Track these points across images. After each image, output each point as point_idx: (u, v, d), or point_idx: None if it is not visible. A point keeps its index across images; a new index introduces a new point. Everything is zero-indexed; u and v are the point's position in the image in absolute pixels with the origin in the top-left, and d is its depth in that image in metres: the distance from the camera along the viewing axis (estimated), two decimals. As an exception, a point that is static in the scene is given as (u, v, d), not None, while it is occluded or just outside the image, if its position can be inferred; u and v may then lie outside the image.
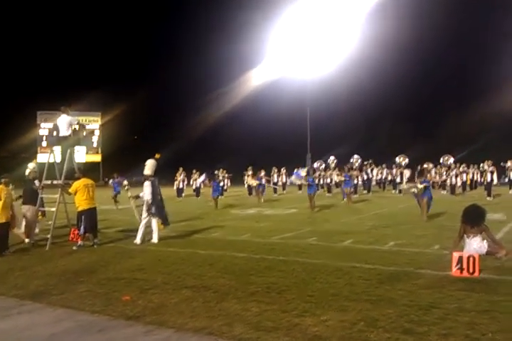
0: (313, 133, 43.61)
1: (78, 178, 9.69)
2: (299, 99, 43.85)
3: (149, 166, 10.10)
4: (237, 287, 5.97)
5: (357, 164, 26.38)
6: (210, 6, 56.87)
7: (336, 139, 44.45)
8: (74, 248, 9.25)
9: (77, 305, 5.42)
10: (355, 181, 23.99)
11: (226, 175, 28.20)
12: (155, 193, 9.96)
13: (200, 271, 6.98)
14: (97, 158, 54.99)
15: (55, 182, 10.44)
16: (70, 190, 9.61)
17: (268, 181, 24.16)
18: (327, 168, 28.30)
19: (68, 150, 10.41)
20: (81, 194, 9.46)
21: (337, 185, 29.12)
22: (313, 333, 4.35)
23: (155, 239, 9.86)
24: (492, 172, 21.81)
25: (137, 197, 10.38)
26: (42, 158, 43.42)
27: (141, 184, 10.43)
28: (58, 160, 10.68)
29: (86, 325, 4.80)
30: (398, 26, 40.08)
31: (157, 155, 10.44)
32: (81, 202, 9.46)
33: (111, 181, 21.29)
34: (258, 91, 44.71)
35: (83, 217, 9.41)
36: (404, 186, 13.27)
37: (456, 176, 24.83)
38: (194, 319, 4.81)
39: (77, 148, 10.98)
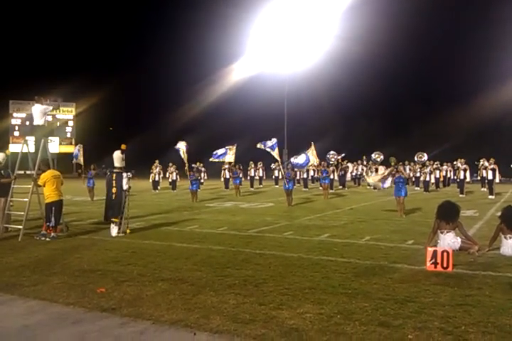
0: (291, 128, 43.75)
1: (44, 170, 9.52)
2: (277, 95, 43.92)
3: (115, 158, 9.93)
4: (214, 280, 5.95)
5: (333, 159, 26.57)
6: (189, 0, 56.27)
7: (313, 135, 44.61)
8: (47, 239, 9.08)
9: (50, 296, 5.31)
10: (331, 176, 24.19)
11: (203, 169, 28.11)
12: (107, 188, 9.86)
13: (176, 263, 6.93)
14: (71, 148, 54.10)
15: (28, 172, 10.24)
16: (39, 182, 9.44)
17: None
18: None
19: (42, 141, 10.20)
20: (50, 185, 9.32)
21: (313, 180, 29.41)
22: (290, 326, 4.36)
23: (112, 232, 9.67)
24: (465, 170, 22.25)
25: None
26: (14, 148, 42.52)
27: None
28: (32, 150, 10.46)
29: (60, 316, 4.71)
30: (377, 24, 40.41)
31: (123, 146, 10.18)
32: (51, 194, 9.32)
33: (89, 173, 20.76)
34: (237, 86, 44.58)
35: (53, 208, 9.25)
36: (370, 180, 13.43)
37: (430, 173, 25.24)
38: (171, 311, 4.77)
39: (51, 138, 10.74)
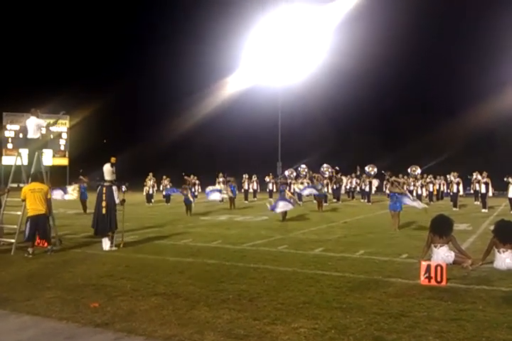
0: (285, 141, 43.91)
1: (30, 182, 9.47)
2: (272, 108, 44.15)
3: (105, 172, 9.88)
4: (208, 294, 5.93)
5: (327, 173, 26.61)
6: (185, 12, 56.58)
7: (307, 148, 44.83)
8: (25, 255, 8.86)
9: (43, 311, 5.28)
10: (325, 190, 24.25)
11: (197, 181, 28.10)
12: (97, 201, 9.71)
13: (170, 278, 6.90)
14: (64, 161, 53.92)
15: (21, 185, 10.20)
16: (21, 196, 9.34)
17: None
18: (298, 176, 28.47)
19: (36, 153, 10.19)
20: (28, 199, 9.17)
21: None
22: (285, 341, 4.35)
23: (104, 246, 9.57)
24: (458, 184, 22.36)
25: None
26: (7, 160, 42.35)
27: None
28: (25, 162, 10.44)
29: (53, 332, 4.68)
30: (370, 38, 40.81)
31: (112, 159, 10.12)
32: (29, 208, 9.18)
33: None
34: (231, 99, 44.74)
35: (28, 223, 9.12)
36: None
37: (422, 187, 25.34)
38: (164, 326, 4.75)
39: (44, 150, 10.75)
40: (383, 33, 41.09)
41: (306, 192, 21.08)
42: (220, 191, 21.53)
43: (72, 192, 18.55)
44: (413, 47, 42.58)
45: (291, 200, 16.10)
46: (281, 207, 15.46)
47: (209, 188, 21.94)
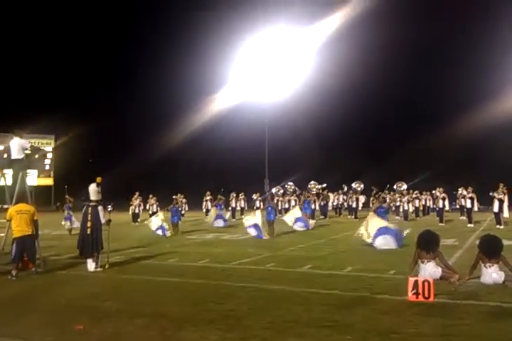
0: (272, 158, 44.07)
1: (15, 203, 9.36)
2: (259, 125, 44.41)
3: (91, 192, 9.79)
4: (195, 315, 5.85)
5: (314, 190, 26.70)
6: (172, 29, 56.96)
7: (295, 165, 45.00)
8: (8, 277, 8.63)
9: (27, 335, 5.15)
10: (313, 206, 24.30)
11: (184, 200, 27.98)
12: (83, 221, 9.63)
13: (156, 298, 6.81)
14: (49, 181, 53.47)
15: (5, 206, 10.07)
16: (6, 217, 9.22)
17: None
18: (285, 193, 28.52)
19: (20, 174, 10.09)
20: (14, 221, 9.02)
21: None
22: (273, 361, 4.30)
23: (89, 267, 9.42)
24: (444, 199, 22.55)
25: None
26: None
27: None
28: (9, 183, 10.32)
29: (35, 356, 4.57)
30: (353, 56, 41.47)
31: (98, 179, 10.06)
32: (14, 230, 9.02)
33: (65, 206, 20.39)
34: (218, 116, 44.92)
35: (14, 245, 8.97)
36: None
37: (408, 202, 25.52)
38: (150, 348, 4.67)
39: (29, 170, 10.62)
40: (366, 52, 41.86)
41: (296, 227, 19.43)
42: (222, 218, 22.36)
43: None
44: (395, 66, 43.31)
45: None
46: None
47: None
